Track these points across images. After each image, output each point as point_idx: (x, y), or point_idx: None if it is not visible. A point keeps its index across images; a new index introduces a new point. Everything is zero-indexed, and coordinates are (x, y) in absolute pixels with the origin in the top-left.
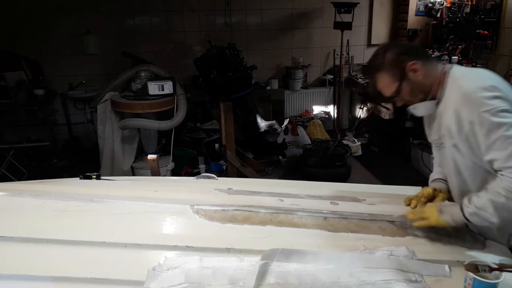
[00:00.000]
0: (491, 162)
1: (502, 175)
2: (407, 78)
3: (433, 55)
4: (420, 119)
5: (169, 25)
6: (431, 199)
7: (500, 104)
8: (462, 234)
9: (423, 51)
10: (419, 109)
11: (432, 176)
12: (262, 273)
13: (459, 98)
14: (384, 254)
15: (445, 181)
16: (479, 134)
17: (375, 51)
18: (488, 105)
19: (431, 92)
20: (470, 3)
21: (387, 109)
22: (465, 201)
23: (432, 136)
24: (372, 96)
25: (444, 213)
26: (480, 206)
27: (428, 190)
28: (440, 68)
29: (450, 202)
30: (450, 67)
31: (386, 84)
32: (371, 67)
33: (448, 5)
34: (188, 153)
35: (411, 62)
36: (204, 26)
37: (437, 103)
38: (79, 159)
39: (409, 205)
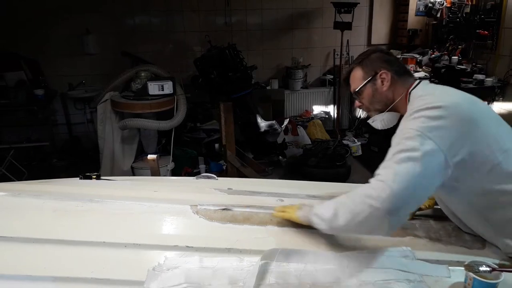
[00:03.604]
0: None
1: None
2: (373, 83)
3: (433, 55)
4: None
5: (169, 25)
6: None
7: (433, 131)
8: (462, 234)
9: (403, 69)
10: (375, 122)
11: None
12: (262, 273)
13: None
14: (384, 254)
15: None
16: (392, 142)
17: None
18: (421, 122)
19: (393, 107)
20: (470, 3)
21: None
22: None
23: None
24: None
25: (300, 210)
26: (326, 206)
27: None
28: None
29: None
30: (415, 85)
31: (356, 77)
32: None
33: (448, 5)
34: (188, 153)
35: (384, 71)
36: (204, 26)
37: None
38: (79, 159)
39: None
